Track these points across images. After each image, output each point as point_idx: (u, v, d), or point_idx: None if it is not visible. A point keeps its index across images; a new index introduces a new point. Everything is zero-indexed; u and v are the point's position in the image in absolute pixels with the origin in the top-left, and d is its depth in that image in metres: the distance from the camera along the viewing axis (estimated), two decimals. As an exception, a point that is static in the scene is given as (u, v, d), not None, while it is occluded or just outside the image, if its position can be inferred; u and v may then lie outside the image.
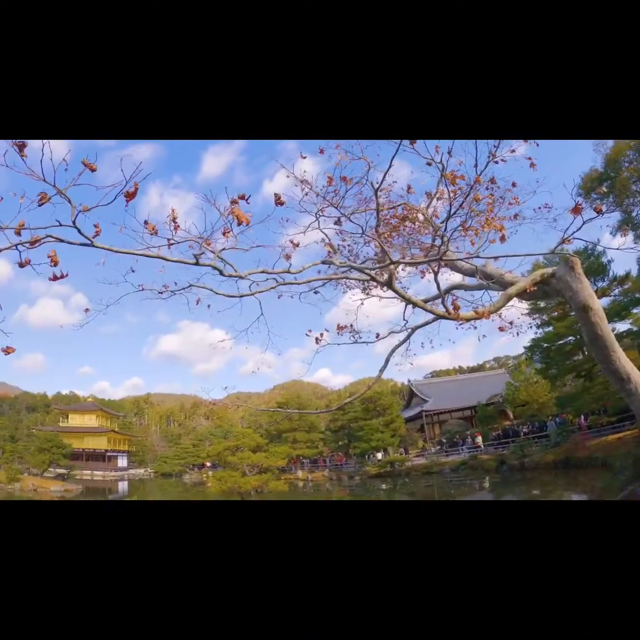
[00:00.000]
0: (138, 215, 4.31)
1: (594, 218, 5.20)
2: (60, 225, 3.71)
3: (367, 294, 8.47)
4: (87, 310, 5.54)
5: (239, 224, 4.11)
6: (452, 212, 5.48)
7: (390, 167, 5.45)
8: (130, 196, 3.66)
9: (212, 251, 4.85)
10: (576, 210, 4.70)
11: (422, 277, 8.73)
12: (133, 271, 5.33)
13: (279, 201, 4.42)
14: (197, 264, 4.71)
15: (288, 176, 6.36)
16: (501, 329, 7.91)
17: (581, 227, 5.01)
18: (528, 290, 6.57)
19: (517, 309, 8.39)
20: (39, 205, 3.59)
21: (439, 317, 6.62)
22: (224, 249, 4.94)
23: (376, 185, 5.74)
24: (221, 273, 5.01)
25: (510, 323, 8.14)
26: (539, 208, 7.23)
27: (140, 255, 4.48)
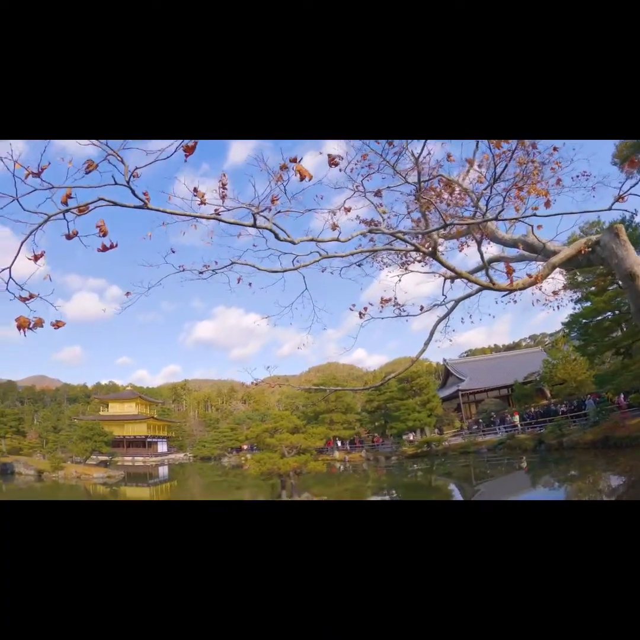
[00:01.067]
0: (170, 205, 4.32)
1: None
2: (116, 183, 3.74)
3: (406, 269, 8.38)
4: (128, 293, 5.57)
5: (301, 179, 4.09)
6: (497, 176, 5.37)
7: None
8: (189, 150, 3.65)
9: (265, 217, 4.83)
10: (632, 164, 4.55)
11: (460, 251, 8.61)
12: (173, 252, 5.35)
13: (332, 162, 4.37)
14: (254, 225, 4.71)
15: (320, 153, 6.34)
16: (555, 294, 7.75)
17: (637, 183, 4.84)
18: (582, 251, 6.38)
19: (557, 281, 8.23)
20: (86, 173, 3.63)
21: (484, 288, 6.51)
22: (279, 211, 4.95)
23: (416, 155, 5.68)
24: (277, 237, 5.00)
25: (563, 288, 7.97)
26: (578, 176, 7.09)
27: (195, 217, 4.50)
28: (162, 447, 69.68)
